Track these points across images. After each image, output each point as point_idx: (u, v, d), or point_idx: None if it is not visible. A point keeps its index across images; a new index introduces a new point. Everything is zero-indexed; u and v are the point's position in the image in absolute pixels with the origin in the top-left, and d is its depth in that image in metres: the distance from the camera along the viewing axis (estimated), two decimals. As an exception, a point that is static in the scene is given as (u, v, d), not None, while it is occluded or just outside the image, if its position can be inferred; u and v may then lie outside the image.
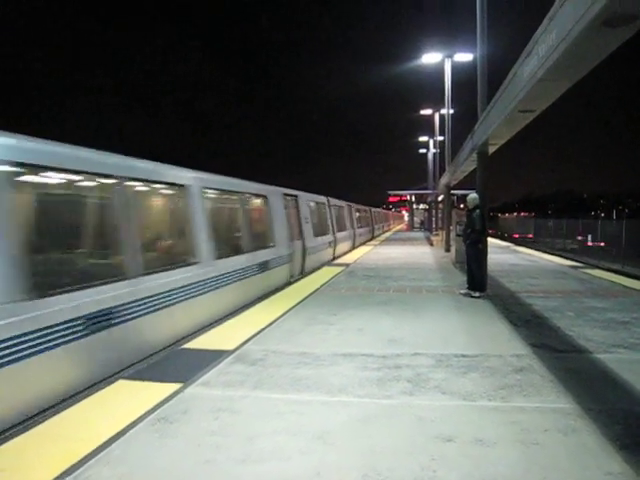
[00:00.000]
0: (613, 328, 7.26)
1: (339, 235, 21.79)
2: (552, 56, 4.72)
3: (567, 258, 19.58)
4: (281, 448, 3.59)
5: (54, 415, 4.22)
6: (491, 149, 10.43)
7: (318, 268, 15.64)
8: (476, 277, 10.03)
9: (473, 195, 10.03)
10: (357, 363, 5.64)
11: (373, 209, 40.60)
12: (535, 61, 5.35)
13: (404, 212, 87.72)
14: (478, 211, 9.83)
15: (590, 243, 24.66)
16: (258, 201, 12.43)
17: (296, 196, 15.54)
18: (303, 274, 14.43)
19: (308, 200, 17.14)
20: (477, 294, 9.85)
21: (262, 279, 11.10)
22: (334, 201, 22.28)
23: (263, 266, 11.23)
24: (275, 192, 13.31)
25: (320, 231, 18.30)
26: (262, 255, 11.29)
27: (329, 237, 19.70)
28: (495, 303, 9.23)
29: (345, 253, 22.05)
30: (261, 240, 11.81)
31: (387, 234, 44.86)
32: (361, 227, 30.81)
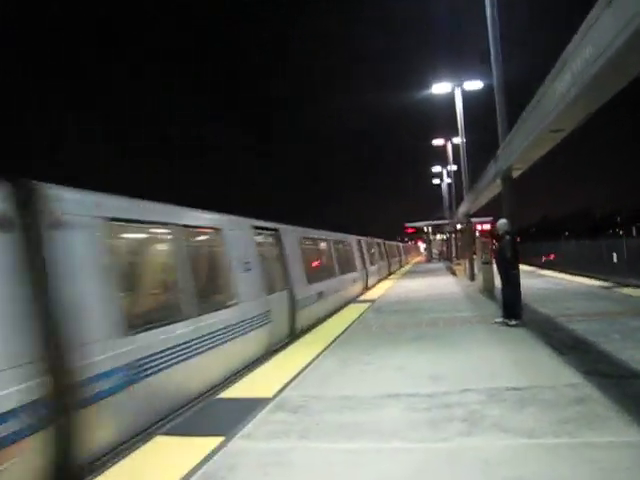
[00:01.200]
0: (666, 349, 6.90)
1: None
2: (589, 71, 4.55)
3: (595, 278, 19.09)
4: (341, 505, 3.31)
5: (96, 477, 3.98)
6: (517, 173, 10.23)
7: None
8: (511, 304, 9.70)
9: (502, 221, 9.79)
10: (404, 404, 5.33)
11: (364, 239, 25.12)
12: (568, 77, 5.18)
13: (419, 244, 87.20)
14: (508, 237, 9.58)
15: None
16: None
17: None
18: None
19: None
20: (513, 322, 9.50)
21: None
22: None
23: None
24: None
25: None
26: None
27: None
28: (534, 330, 8.88)
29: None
30: None
31: (407, 267, 44.47)
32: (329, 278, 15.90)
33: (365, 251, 24.11)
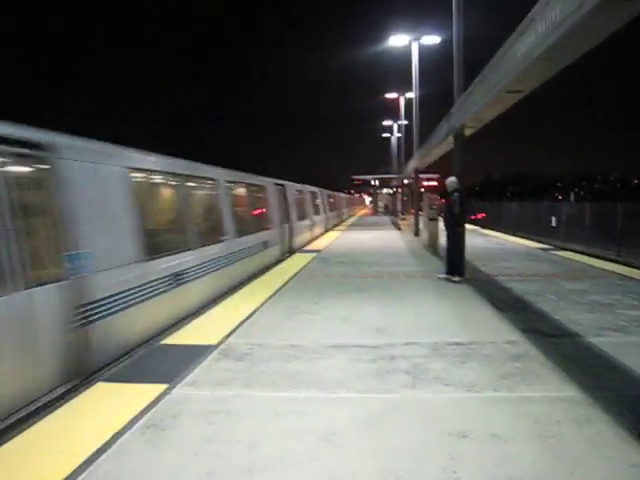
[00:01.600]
0: (598, 310, 7.22)
1: None
2: (554, 33, 4.52)
3: (534, 240, 19.73)
4: (288, 454, 3.32)
5: (35, 423, 3.85)
6: (469, 131, 10.27)
7: None
8: (455, 261, 9.91)
9: (452, 179, 9.88)
10: (350, 355, 5.40)
11: (292, 185, 20.06)
12: (532, 39, 5.14)
13: (366, 197, 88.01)
14: (457, 194, 9.68)
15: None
16: None
17: None
18: None
19: None
20: (457, 278, 9.73)
21: None
22: None
23: None
24: None
25: None
26: None
27: None
28: (476, 287, 9.13)
29: None
30: None
31: (352, 219, 44.73)
32: None
33: (292, 202, 18.58)
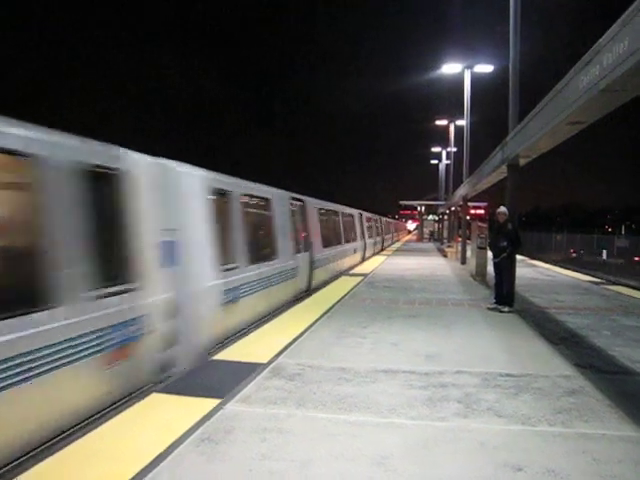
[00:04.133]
0: (657, 349, 6.99)
1: None
2: (622, 65, 4.47)
3: (586, 273, 19.24)
4: (341, 475, 3.33)
5: (91, 430, 3.98)
6: (523, 161, 10.17)
7: None
8: (505, 292, 9.76)
9: (505, 208, 9.81)
10: (400, 380, 5.39)
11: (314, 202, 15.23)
12: (597, 71, 5.09)
13: (411, 222, 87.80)
14: (511, 225, 9.61)
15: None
16: None
17: None
18: None
19: None
20: (506, 309, 9.58)
21: None
22: None
23: None
24: None
25: None
26: None
27: None
28: (525, 319, 8.96)
29: None
30: None
31: (397, 244, 44.46)
32: None
33: (313, 224, 14.55)
